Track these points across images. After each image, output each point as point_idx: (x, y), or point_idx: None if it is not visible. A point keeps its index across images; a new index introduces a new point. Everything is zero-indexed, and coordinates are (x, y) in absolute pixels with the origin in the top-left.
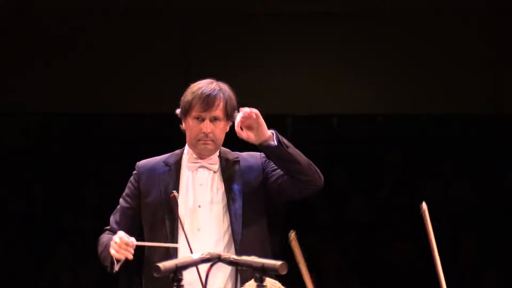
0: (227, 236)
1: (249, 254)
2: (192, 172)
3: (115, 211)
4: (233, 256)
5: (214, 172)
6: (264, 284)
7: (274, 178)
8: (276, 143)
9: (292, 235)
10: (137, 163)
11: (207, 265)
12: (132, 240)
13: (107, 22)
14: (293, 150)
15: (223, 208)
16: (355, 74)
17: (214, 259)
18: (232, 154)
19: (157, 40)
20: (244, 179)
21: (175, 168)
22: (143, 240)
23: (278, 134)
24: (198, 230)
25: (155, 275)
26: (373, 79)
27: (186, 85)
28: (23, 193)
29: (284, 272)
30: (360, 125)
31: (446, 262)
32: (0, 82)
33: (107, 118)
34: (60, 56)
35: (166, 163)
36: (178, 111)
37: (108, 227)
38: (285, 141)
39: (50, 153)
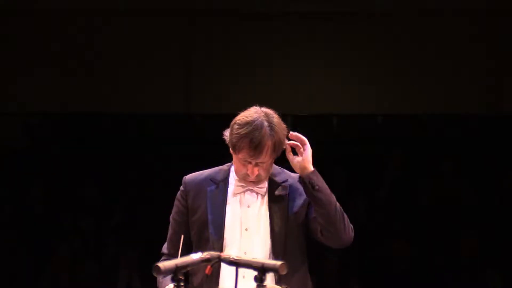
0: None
1: (288, 282)
2: (239, 193)
3: (168, 232)
4: (233, 256)
5: (262, 195)
6: (264, 284)
7: (311, 210)
8: (303, 180)
9: None
10: (184, 178)
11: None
12: None
13: (107, 22)
14: (323, 195)
15: (268, 232)
16: (355, 74)
17: (214, 259)
18: (281, 176)
19: (157, 40)
20: (290, 205)
21: (223, 186)
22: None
23: (315, 175)
24: (245, 253)
25: (154, 275)
26: (373, 79)
27: (186, 85)
28: (23, 193)
29: (284, 272)
30: (360, 125)
31: (447, 261)
32: (0, 82)
33: (107, 118)
34: (60, 56)
35: (213, 180)
36: (226, 135)
37: (164, 252)
38: (318, 183)
39: (50, 153)
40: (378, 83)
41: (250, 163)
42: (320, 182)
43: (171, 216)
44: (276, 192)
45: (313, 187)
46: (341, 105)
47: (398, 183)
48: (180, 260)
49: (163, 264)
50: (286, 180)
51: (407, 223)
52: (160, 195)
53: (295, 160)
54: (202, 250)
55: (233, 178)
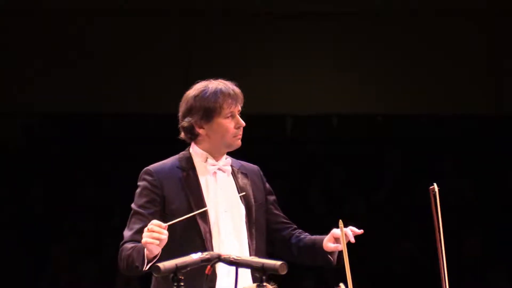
0: (245, 242)
1: None
2: (210, 176)
3: (131, 223)
4: (233, 256)
5: (228, 175)
6: (264, 284)
7: (275, 217)
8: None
9: (341, 223)
10: (148, 169)
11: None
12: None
13: (107, 22)
14: None
15: (243, 216)
16: (355, 74)
17: (214, 259)
18: (235, 162)
19: (157, 40)
20: (255, 198)
21: (192, 173)
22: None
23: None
24: (230, 234)
25: (154, 275)
26: (373, 79)
27: (186, 85)
28: (23, 193)
29: (284, 272)
30: (360, 125)
31: (448, 261)
32: (0, 82)
33: (107, 118)
34: (60, 56)
35: (179, 167)
36: (188, 120)
37: (128, 240)
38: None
39: (50, 153)
40: (378, 83)
41: (235, 115)
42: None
43: (136, 206)
44: (239, 177)
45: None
46: (341, 105)
47: (398, 183)
48: (180, 260)
49: (163, 264)
50: (241, 167)
51: (407, 223)
52: None
53: (332, 246)
54: (189, 236)
55: (198, 163)
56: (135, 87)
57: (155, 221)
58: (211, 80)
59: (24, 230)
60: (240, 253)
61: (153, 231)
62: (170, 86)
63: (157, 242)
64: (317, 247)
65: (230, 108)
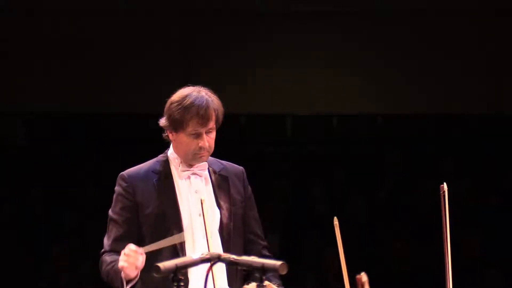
0: (220, 243)
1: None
2: (185, 179)
3: (108, 230)
4: (233, 256)
5: (205, 178)
6: (264, 284)
7: (247, 223)
8: None
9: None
10: (123, 174)
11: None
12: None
13: (107, 23)
14: None
15: (217, 220)
16: (355, 74)
17: (214, 259)
18: (217, 165)
19: (157, 41)
20: (232, 197)
21: (167, 176)
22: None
23: None
24: (203, 238)
25: (155, 275)
26: (373, 79)
27: (186, 85)
28: (23, 193)
29: (284, 272)
30: (360, 125)
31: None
32: (0, 82)
33: (107, 118)
34: (61, 56)
35: (155, 172)
36: (162, 122)
37: (107, 250)
38: None
39: (50, 153)
40: (378, 83)
41: (200, 134)
42: None
43: (112, 213)
44: (218, 181)
45: None
46: (341, 105)
47: (398, 183)
48: (180, 260)
49: (163, 264)
50: (222, 169)
51: (407, 223)
52: None
53: None
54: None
55: (174, 166)
56: (135, 87)
57: (131, 246)
58: (200, 88)
59: (24, 230)
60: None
61: (129, 256)
62: (170, 86)
63: (133, 267)
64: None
65: (195, 127)
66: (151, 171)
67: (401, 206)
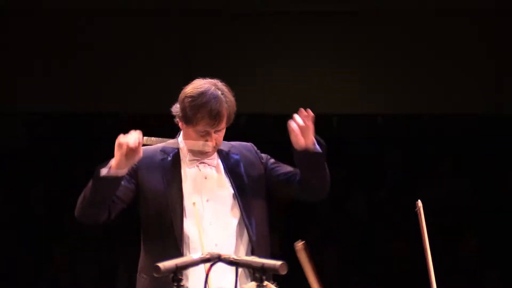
0: (238, 228)
1: (261, 247)
2: (193, 167)
3: None
4: (233, 256)
5: (215, 166)
6: (264, 284)
7: (277, 173)
8: (320, 150)
9: (300, 245)
10: None
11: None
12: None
13: (107, 22)
14: (324, 158)
15: (232, 201)
16: (355, 74)
17: (214, 259)
18: (225, 145)
19: (157, 40)
20: (247, 174)
21: (175, 160)
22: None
23: (320, 140)
24: (210, 224)
25: (155, 275)
26: (373, 79)
27: (187, 85)
28: (23, 193)
29: (284, 272)
30: (360, 125)
31: (447, 262)
32: (0, 82)
33: (107, 118)
34: (60, 56)
35: (164, 151)
36: (175, 109)
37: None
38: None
39: (50, 153)
40: (378, 83)
41: (209, 133)
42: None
43: None
44: (229, 161)
45: (323, 155)
46: (341, 105)
47: (398, 183)
48: (180, 260)
49: (163, 264)
50: (231, 148)
51: (407, 223)
52: None
53: (299, 136)
54: (163, 217)
55: (182, 155)
56: (135, 87)
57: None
58: (217, 83)
59: (24, 230)
60: (226, 242)
61: (128, 135)
62: (170, 86)
63: (131, 143)
64: (298, 157)
65: (205, 127)
66: (159, 150)
67: (401, 206)
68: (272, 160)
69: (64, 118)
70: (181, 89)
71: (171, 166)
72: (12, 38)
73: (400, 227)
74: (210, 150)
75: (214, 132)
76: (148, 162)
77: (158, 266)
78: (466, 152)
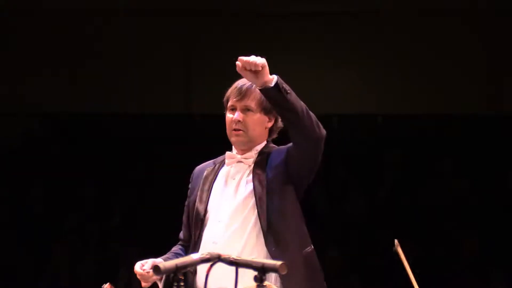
0: (255, 226)
1: (280, 240)
2: (230, 167)
3: (183, 221)
4: (233, 256)
5: (249, 166)
6: (264, 284)
7: (290, 149)
8: (273, 85)
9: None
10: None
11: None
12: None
13: (107, 22)
14: (292, 97)
15: (249, 199)
16: (355, 74)
17: (214, 259)
18: (269, 148)
19: (158, 41)
20: (270, 164)
21: (218, 165)
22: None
23: (279, 79)
24: (219, 222)
25: (155, 275)
26: (373, 79)
27: (186, 85)
28: (23, 193)
29: (284, 272)
30: (360, 125)
31: (447, 262)
32: (1, 83)
33: (107, 118)
34: (61, 56)
35: (213, 162)
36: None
37: (181, 238)
38: (285, 86)
39: (50, 153)
40: (378, 83)
41: (235, 109)
42: (287, 85)
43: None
44: (261, 160)
45: (286, 91)
46: (341, 105)
47: (398, 183)
48: (180, 260)
49: (163, 264)
50: (271, 148)
51: (407, 223)
52: (160, 195)
53: (251, 73)
54: (193, 225)
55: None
56: (136, 88)
57: (136, 267)
58: None
59: (24, 230)
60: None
61: (139, 275)
62: (170, 86)
63: (146, 283)
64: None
65: (232, 101)
66: (212, 161)
67: (401, 206)
68: (290, 144)
69: (64, 118)
70: (181, 89)
71: (210, 174)
72: (13, 38)
73: (400, 227)
74: (239, 131)
75: (241, 111)
76: (196, 176)
77: (158, 266)
78: (466, 152)
